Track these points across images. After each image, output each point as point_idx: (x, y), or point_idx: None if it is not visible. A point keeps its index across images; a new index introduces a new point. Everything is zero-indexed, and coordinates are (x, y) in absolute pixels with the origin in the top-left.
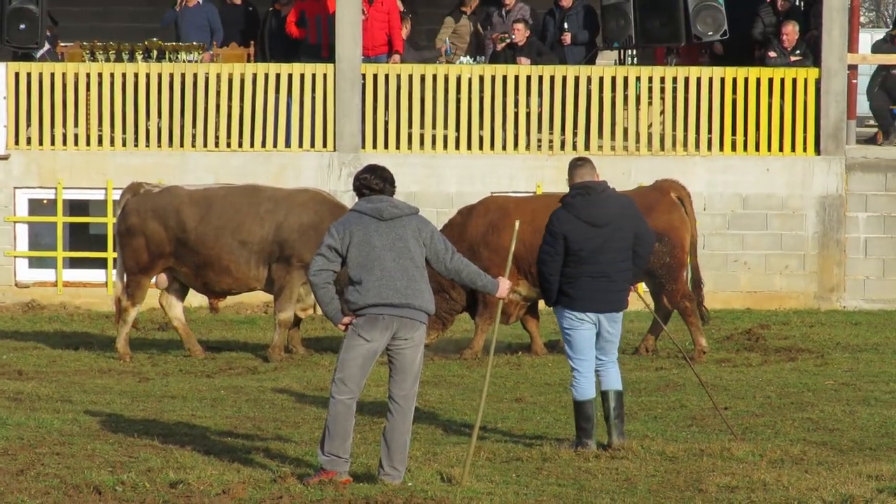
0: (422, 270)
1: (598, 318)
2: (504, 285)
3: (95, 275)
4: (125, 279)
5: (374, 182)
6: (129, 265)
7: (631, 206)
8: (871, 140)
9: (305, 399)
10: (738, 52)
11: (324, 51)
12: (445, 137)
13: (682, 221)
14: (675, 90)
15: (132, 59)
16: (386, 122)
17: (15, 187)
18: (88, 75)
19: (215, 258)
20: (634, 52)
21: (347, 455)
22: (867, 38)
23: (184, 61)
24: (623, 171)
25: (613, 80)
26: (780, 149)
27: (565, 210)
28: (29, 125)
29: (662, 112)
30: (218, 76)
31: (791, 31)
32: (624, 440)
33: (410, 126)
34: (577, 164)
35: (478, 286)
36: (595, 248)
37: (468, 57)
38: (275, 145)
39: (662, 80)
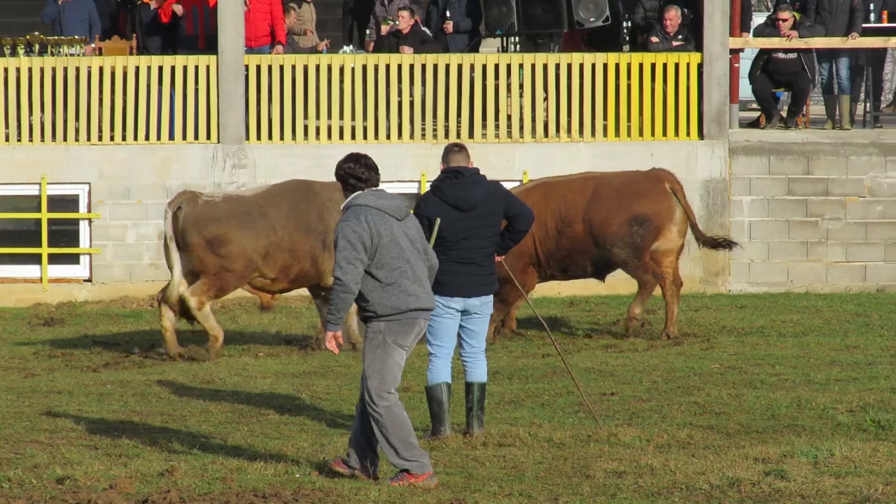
0: (429, 268)
1: (466, 303)
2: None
3: None
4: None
5: (360, 171)
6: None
7: (499, 191)
8: (753, 124)
9: (192, 392)
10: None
11: (201, 41)
12: (330, 127)
13: (669, 212)
14: (557, 77)
15: (14, 53)
16: (270, 113)
17: None
18: None
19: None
20: (517, 39)
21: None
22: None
23: (66, 55)
24: (508, 159)
25: (497, 67)
26: (664, 133)
27: (433, 193)
28: None
29: (546, 99)
30: (101, 69)
31: (673, 16)
32: (483, 430)
33: (294, 117)
34: (451, 150)
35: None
36: (461, 232)
37: (351, 46)
38: (158, 138)
39: (545, 66)
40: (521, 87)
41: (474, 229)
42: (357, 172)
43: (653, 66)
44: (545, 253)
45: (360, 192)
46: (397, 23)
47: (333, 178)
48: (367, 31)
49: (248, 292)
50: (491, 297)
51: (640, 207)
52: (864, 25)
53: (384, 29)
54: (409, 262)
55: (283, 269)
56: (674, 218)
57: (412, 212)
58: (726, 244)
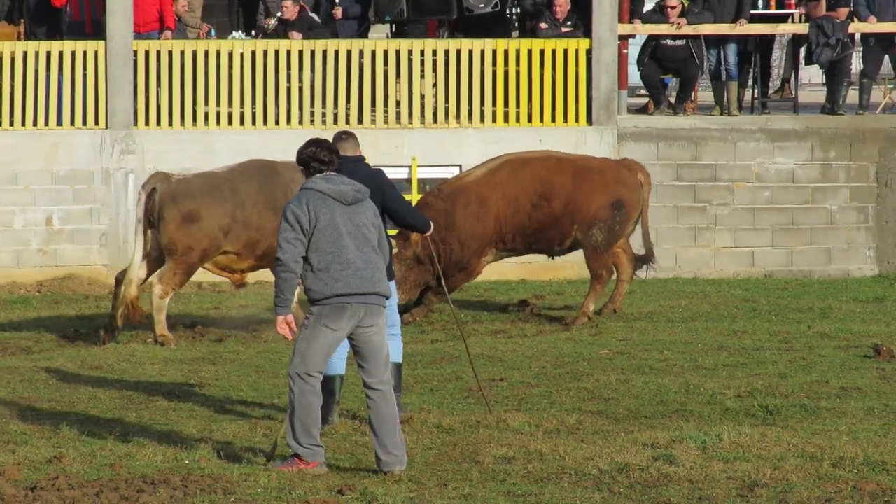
0: (380, 255)
1: None
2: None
3: None
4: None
5: (323, 155)
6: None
7: (376, 180)
8: (642, 110)
9: (80, 379)
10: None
11: (88, 27)
12: (219, 113)
13: (638, 202)
14: (447, 62)
15: None
16: (158, 99)
17: None
18: None
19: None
20: (405, 25)
21: (320, 441)
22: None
23: None
24: (397, 144)
25: (386, 53)
26: (553, 119)
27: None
28: None
29: (435, 85)
30: None
31: (563, 2)
32: (401, 412)
33: (183, 102)
34: (338, 138)
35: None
36: None
37: (240, 32)
38: (46, 123)
39: (435, 52)
40: (410, 72)
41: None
42: (320, 156)
43: (542, 52)
44: (512, 229)
45: (314, 175)
46: (275, 21)
47: (212, 165)
48: (258, 18)
49: (214, 273)
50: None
51: (621, 192)
52: (752, 12)
53: (269, 22)
54: (343, 247)
55: (248, 245)
56: (640, 209)
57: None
58: (648, 260)
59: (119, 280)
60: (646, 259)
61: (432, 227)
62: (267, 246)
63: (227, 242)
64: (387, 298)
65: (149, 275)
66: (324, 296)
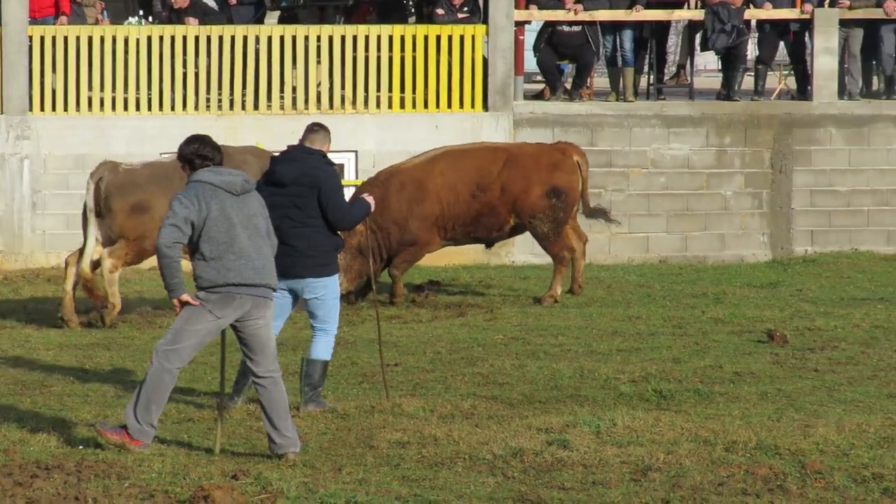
0: (269, 246)
1: (288, 283)
2: None
3: None
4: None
5: (207, 151)
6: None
7: (312, 175)
8: (538, 96)
9: None
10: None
11: None
12: (114, 99)
13: (577, 184)
14: (343, 48)
15: None
16: (54, 84)
17: None
18: None
19: None
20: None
21: (156, 425)
22: None
23: None
24: (292, 131)
25: (282, 39)
26: (449, 105)
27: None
28: None
29: (331, 71)
30: None
31: None
32: (321, 407)
33: (79, 88)
34: (310, 129)
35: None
36: (273, 209)
37: (136, 18)
38: None
39: (331, 38)
40: (305, 58)
41: (284, 207)
42: (203, 152)
43: (438, 37)
44: (453, 217)
45: (200, 169)
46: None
47: (108, 150)
48: (153, 3)
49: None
50: (314, 279)
51: (557, 179)
52: None
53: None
54: (236, 237)
55: None
56: (580, 189)
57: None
58: (605, 216)
59: (69, 262)
60: (603, 212)
61: (353, 222)
62: None
63: None
64: (274, 291)
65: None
66: (215, 284)
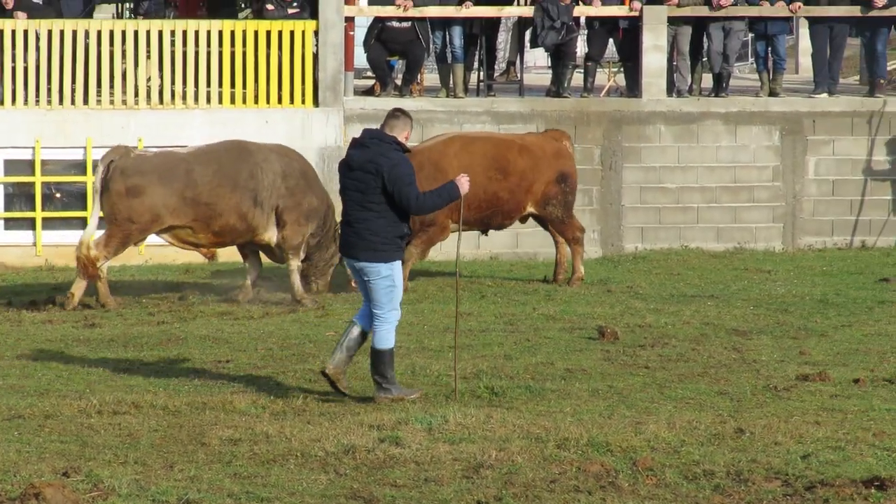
0: None
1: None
2: None
3: None
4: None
5: None
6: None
7: (375, 161)
8: (368, 92)
9: None
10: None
11: None
12: None
13: (576, 168)
14: (173, 43)
15: None
16: None
17: None
18: None
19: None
20: (130, 6)
21: None
22: None
23: None
24: (122, 125)
25: (111, 33)
26: (280, 101)
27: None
28: None
29: (161, 65)
30: None
31: None
32: (384, 396)
33: None
34: (391, 115)
35: None
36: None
37: None
38: None
39: (160, 33)
40: (135, 53)
41: (351, 191)
42: None
43: (268, 33)
44: (467, 201)
45: None
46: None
47: None
48: None
49: (179, 247)
50: (365, 263)
51: (563, 165)
52: None
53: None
54: None
55: (200, 220)
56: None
57: None
58: None
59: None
60: None
61: (428, 208)
62: (223, 223)
63: (171, 217)
64: None
65: None
66: None
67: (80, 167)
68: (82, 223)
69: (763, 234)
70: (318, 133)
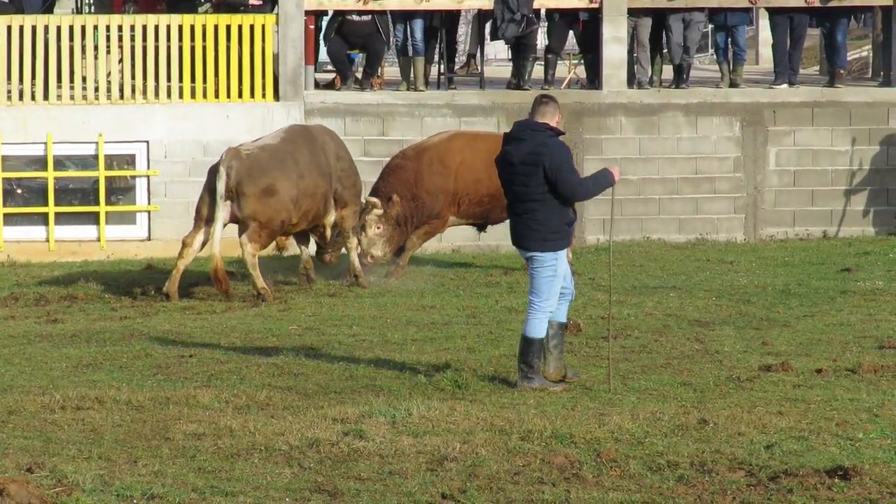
0: None
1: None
2: None
3: None
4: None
5: None
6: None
7: (537, 152)
8: (329, 85)
9: None
10: None
11: None
12: None
13: None
14: (133, 38)
15: None
16: None
17: None
18: None
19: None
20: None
21: None
22: None
23: None
24: (83, 121)
25: (71, 28)
26: (240, 95)
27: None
28: None
29: (121, 60)
30: None
31: None
32: (527, 385)
33: None
34: (538, 101)
35: None
36: (504, 183)
37: None
38: None
39: (120, 28)
40: (95, 48)
41: (515, 185)
42: None
43: (228, 27)
44: (468, 194)
45: None
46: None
47: None
48: None
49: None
50: (534, 253)
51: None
52: None
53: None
54: None
55: (305, 213)
56: None
57: None
58: None
59: (186, 242)
60: None
61: (589, 194)
62: (315, 208)
63: (295, 210)
64: None
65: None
66: None
67: (41, 163)
68: (44, 219)
69: (725, 224)
70: (278, 127)
